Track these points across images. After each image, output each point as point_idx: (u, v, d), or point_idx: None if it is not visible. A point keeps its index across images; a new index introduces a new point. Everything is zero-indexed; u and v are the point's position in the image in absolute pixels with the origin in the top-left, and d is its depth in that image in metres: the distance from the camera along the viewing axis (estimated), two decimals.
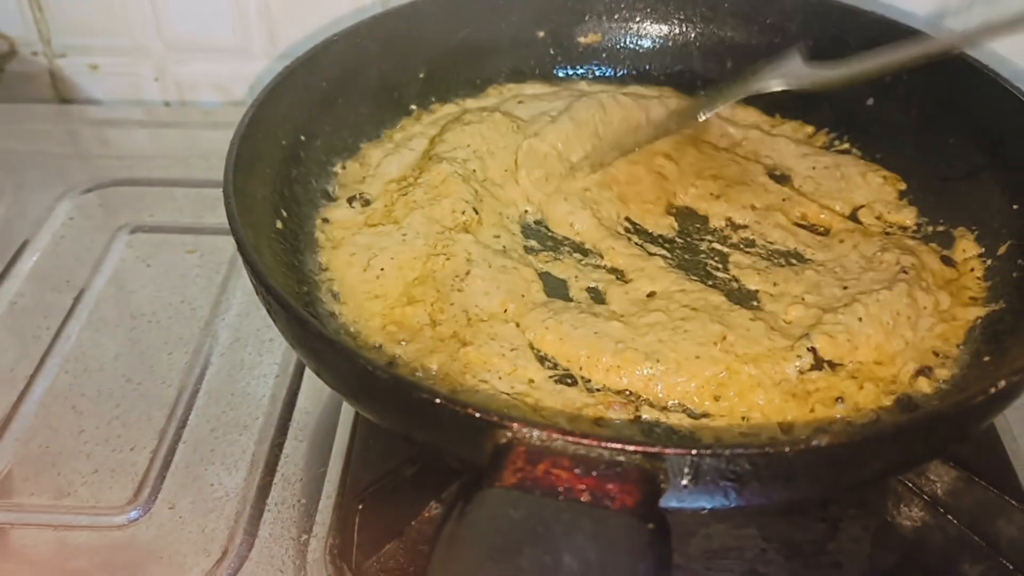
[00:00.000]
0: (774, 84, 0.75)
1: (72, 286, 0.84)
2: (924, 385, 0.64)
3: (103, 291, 0.84)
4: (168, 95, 1.16)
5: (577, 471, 0.46)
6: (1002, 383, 0.51)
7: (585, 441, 0.47)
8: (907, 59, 0.71)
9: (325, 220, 0.76)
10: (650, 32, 0.93)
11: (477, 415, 0.49)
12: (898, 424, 0.53)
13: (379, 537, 0.62)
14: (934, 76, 0.80)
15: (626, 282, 0.71)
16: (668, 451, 0.47)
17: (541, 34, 0.93)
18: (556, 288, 0.72)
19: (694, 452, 0.47)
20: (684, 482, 0.48)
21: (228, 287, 0.85)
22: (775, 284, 0.72)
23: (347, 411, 0.73)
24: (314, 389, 0.76)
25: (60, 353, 0.78)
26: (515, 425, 0.48)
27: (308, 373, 0.77)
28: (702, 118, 0.76)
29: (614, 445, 0.47)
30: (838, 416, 0.62)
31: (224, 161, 0.97)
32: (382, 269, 0.70)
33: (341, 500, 0.66)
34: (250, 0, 1.07)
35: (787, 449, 0.47)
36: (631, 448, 0.47)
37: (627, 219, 0.77)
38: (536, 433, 0.47)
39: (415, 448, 0.64)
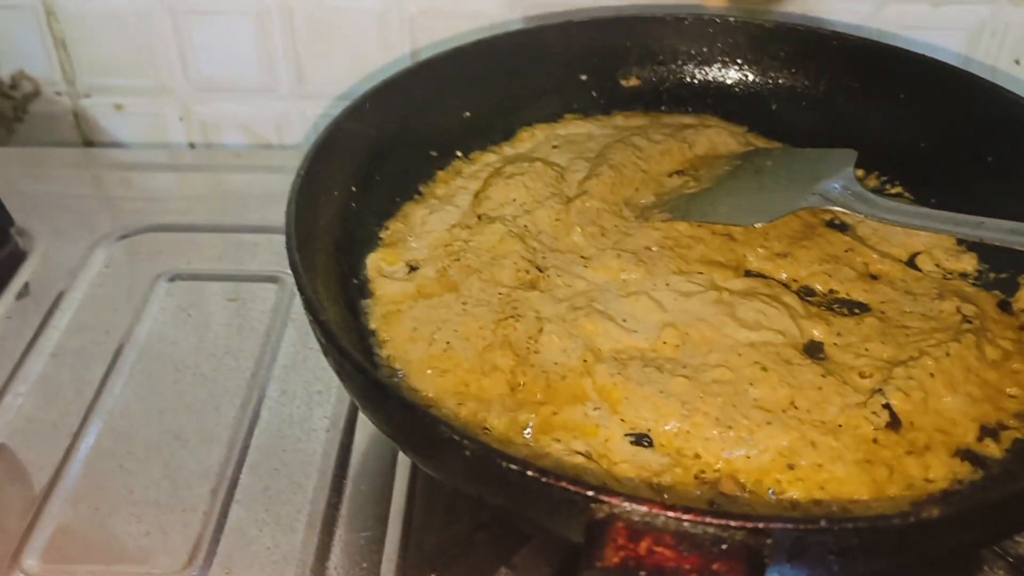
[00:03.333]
0: (829, 205, 0.76)
1: (112, 338, 0.83)
2: (994, 448, 0.63)
3: (145, 342, 0.82)
4: (193, 135, 1.14)
5: (681, 548, 0.45)
6: None
7: (688, 517, 0.45)
8: (961, 234, 0.72)
9: (375, 292, 0.74)
10: (693, 75, 0.93)
11: (572, 488, 0.47)
12: (1005, 495, 0.51)
13: None
14: (992, 121, 0.80)
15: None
16: (775, 526, 0.45)
17: (584, 77, 0.92)
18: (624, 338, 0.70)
19: (802, 527, 0.45)
20: (788, 557, 0.46)
21: (272, 337, 0.83)
22: (839, 334, 0.70)
23: (403, 468, 0.71)
24: (367, 444, 0.74)
25: (104, 408, 0.76)
26: (615, 500, 0.46)
27: (360, 427, 0.75)
28: (758, 225, 0.76)
29: (719, 521, 0.45)
30: (912, 487, 0.60)
31: (258, 203, 0.98)
32: (448, 343, 0.68)
33: (403, 563, 0.64)
34: (277, 40, 1.06)
35: (896, 522, 0.46)
36: (736, 524, 0.45)
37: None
38: (637, 508, 0.46)
39: (482, 511, 0.62)
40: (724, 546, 0.45)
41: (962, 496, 0.57)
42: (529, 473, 0.48)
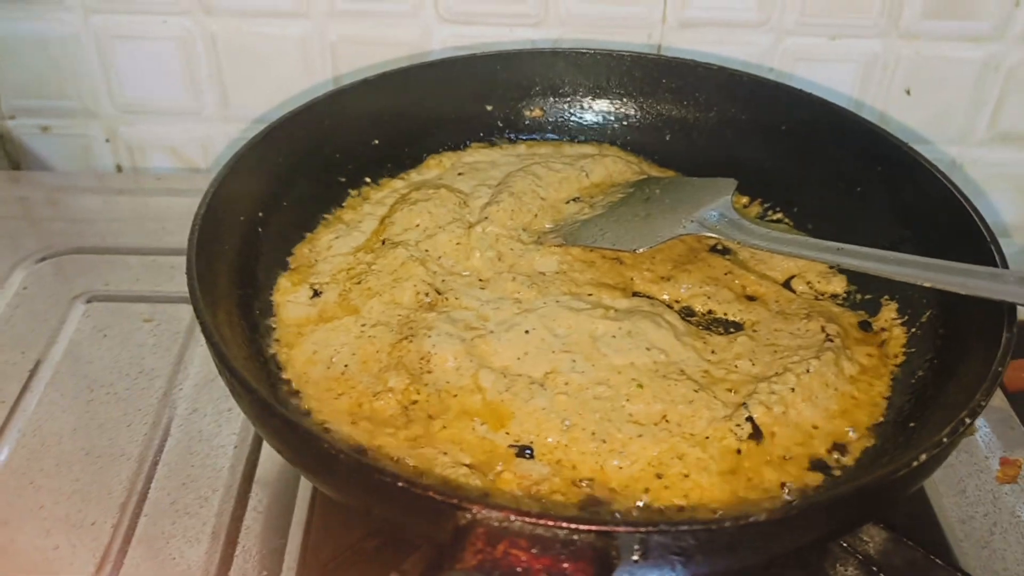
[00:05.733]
0: (705, 231, 0.81)
1: (28, 357, 0.85)
2: (845, 458, 0.68)
3: (60, 362, 0.85)
4: (119, 157, 1.17)
5: (534, 551, 0.49)
6: (923, 456, 0.55)
7: (541, 522, 0.50)
8: (822, 259, 0.78)
9: (279, 315, 0.77)
10: (592, 107, 0.99)
11: (438, 498, 0.51)
12: (829, 497, 0.57)
13: None
14: (862, 154, 0.86)
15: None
16: (619, 529, 0.50)
17: (489, 108, 0.97)
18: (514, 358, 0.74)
19: (643, 529, 0.50)
20: (635, 557, 0.51)
21: (185, 356, 0.86)
22: (713, 352, 0.76)
23: (305, 483, 0.75)
24: (272, 460, 0.77)
25: (17, 426, 0.79)
26: (475, 507, 0.51)
27: (266, 445, 0.78)
28: (640, 251, 0.81)
29: (569, 525, 0.50)
30: (767, 496, 0.65)
31: (178, 226, 1.00)
32: (345, 366, 0.72)
33: (302, 572, 0.68)
34: (201, 64, 1.09)
35: (728, 524, 0.51)
36: (584, 528, 0.50)
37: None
38: (495, 515, 0.50)
39: (375, 522, 0.66)
40: (573, 548, 0.49)
41: (790, 502, 0.63)
42: (399, 484, 0.52)
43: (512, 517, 0.50)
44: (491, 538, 0.50)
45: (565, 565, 0.49)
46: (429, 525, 0.53)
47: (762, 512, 0.50)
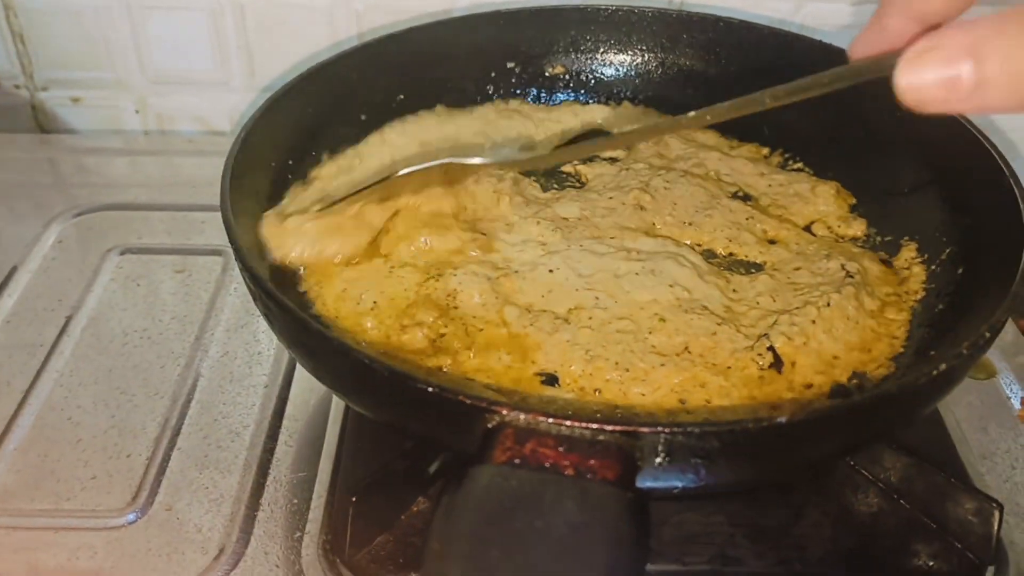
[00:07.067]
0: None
1: (64, 305, 0.87)
2: (866, 385, 0.69)
3: (95, 309, 0.87)
4: (148, 127, 1.19)
5: (561, 449, 0.51)
6: (943, 366, 0.56)
7: (567, 422, 0.51)
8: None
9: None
10: (613, 62, 0.99)
11: (468, 401, 0.53)
12: (850, 403, 0.58)
13: (370, 531, 0.65)
14: (881, 101, 0.86)
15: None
16: (644, 429, 0.51)
17: (511, 65, 0.98)
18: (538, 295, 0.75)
19: (667, 430, 0.51)
20: (658, 460, 0.52)
21: (216, 305, 0.88)
22: (734, 290, 0.77)
23: (335, 418, 0.76)
24: (302, 399, 0.79)
25: (55, 367, 0.81)
26: (504, 409, 0.52)
27: (296, 383, 0.80)
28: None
29: (593, 425, 0.51)
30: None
31: (207, 185, 1.02)
32: (375, 302, 0.73)
33: (331, 499, 0.70)
34: (229, 35, 1.11)
35: (751, 426, 0.52)
36: (609, 427, 0.51)
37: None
38: (523, 416, 0.52)
39: (404, 447, 0.67)
40: (599, 447, 0.51)
41: (811, 406, 0.64)
42: (430, 389, 0.53)
43: (539, 417, 0.51)
44: (519, 437, 0.51)
45: (591, 462, 0.50)
46: (460, 432, 0.54)
47: (785, 413, 0.51)
